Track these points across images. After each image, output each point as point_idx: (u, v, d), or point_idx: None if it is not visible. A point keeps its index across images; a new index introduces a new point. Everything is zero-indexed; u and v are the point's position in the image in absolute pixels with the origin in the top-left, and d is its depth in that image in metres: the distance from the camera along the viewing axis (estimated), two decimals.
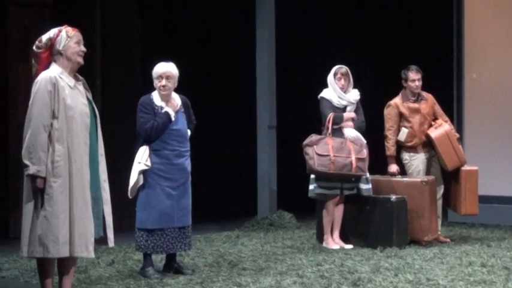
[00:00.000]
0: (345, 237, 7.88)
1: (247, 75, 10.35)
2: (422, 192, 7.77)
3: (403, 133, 8.06)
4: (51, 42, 5.24)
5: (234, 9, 11.04)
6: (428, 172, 8.11)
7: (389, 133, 8.09)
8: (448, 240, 8.12)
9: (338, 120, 7.81)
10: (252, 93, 10.04)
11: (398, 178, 8.02)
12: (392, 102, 8.15)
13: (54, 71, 5.19)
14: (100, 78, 9.64)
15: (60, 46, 5.23)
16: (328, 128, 7.77)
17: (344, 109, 7.90)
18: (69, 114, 5.14)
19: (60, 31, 5.26)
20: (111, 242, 5.37)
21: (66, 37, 5.25)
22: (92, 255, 5.24)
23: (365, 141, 7.84)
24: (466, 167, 8.06)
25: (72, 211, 5.11)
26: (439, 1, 10.90)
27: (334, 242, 7.83)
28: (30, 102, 5.14)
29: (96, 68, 9.58)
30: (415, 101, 8.12)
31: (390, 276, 6.20)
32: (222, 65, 11.25)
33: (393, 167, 8.09)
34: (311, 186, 7.86)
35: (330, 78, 7.91)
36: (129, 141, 7.30)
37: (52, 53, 5.25)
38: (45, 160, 5.07)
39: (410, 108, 8.09)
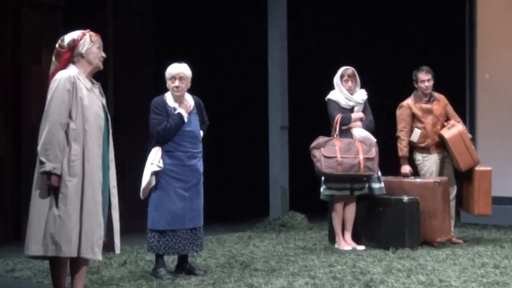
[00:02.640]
0: (357, 238, 7.87)
1: (259, 75, 10.35)
2: (435, 193, 7.75)
3: (416, 134, 8.05)
4: (74, 43, 5.27)
5: (245, 10, 11.04)
6: (441, 173, 8.09)
7: (401, 134, 8.08)
8: (461, 241, 8.10)
9: (346, 121, 7.80)
10: (264, 94, 10.04)
11: (411, 179, 8.00)
12: (404, 103, 8.13)
13: (72, 71, 5.22)
14: (112, 79, 9.66)
15: (83, 49, 5.27)
16: (335, 129, 7.76)
17: (352, 110, 7.89)
18: (85, 115, 5.16)
19: (84, 34, 5.31)
20: (117, 248, 5.36)
21: (89, 41, 5.30)
22: (99, 257, 5.23)
23: (375, 140, 7.83)
24: (479, 167, 8.03)
25: (81, 212, 5.12)
26: (451, 1, 10.86)
27: (346, 243, 7.81)
28: (48, 99, 5.15)
29: (108, 69, 9.59)
30: (427, 102, 8.11)
31: (402, 277, 6.18)
32: (234, 66, 11.26)
33: (406, 168, 8.08)
34: (321, 188, 7.87)
35: (337, 80, 7.91)
36: (141, 142, 7.31)
37: (73, 54, 5.28)
38: (61, 158, 5.08)
39: (423, 109, 8.07)
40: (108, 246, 5.33)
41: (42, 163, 5.06)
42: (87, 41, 5.29)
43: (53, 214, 5.08)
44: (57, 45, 5.30)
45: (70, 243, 5.08)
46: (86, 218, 5.13)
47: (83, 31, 5.34)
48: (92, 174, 5.17)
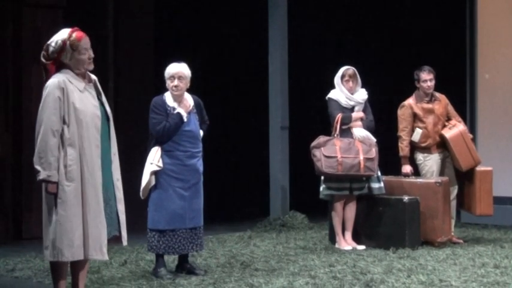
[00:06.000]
0: (357, 238, 7.86)
1: (259, 75, 10.35)
2: (436, 193, 7.74)
3: (417, 134, 8.04)
4: (57, 55, 5.19)
5: (246, 10, 11.04)
6: (442, 173, 8.09)
7: (403, 134, 8.07)
8: (461, 241, 8.09)
9: (346, 121, 7.80)
10: (264, 94, 10.04)
11: (412, 179, 8.00)
12: (406, 102, 8.13)
13: (63, 75, 5.19)
14: (113, 79, 9.66)
15: (66, 59, 5.20)
16: (336, 129, 7.76)
17: (352, 109, 7.89)
18: (79, 118, 5.15)
19: (64, 44, 5.18)
20: (125, 240, 5.39)
21: (71, 50, 5.19)
22: (106, 257, 5.28)
23: (375, 140, 7.83)
24: (480, 168, 8.03)
25: (85, 214, 5.13)
26: (452, 0, 10.86)
27: (346, 243, 7.81)
28: (40, 107, 5.16)
29: (108, 69, 9.60)
30: (428, 102, 8.10)
31: (403, 277, 6.18)
32: (234, 66, 11.26)
33: (407, 168, 8.07)
34: (321, 188, 7.87)
35: (337, 79, 7.90)
36: (141, 141, 7.31)
37: (60, 63, 5.22)
38: (56, 165, 5.08)
39: (424, 109, 8.07)
40: (115, 239, 5.35)
41: (37, 172, 5.08)
42: (68, 50, 5.18)
43: (53, 220, 5.11)
44: (42, 58, 5.23)
45: (72, 247, 5.10)
46: (91, 221, 5.15)
47: (63, 38, 5.18)
48: (93, 176, 5.18)
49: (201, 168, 6.57)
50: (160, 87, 6.76)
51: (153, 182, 6.43)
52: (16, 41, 9.13)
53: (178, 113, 6.44)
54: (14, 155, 9.09)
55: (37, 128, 5.14)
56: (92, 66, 5.31)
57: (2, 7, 9.06)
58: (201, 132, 6.64)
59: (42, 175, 5.06)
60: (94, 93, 5.32)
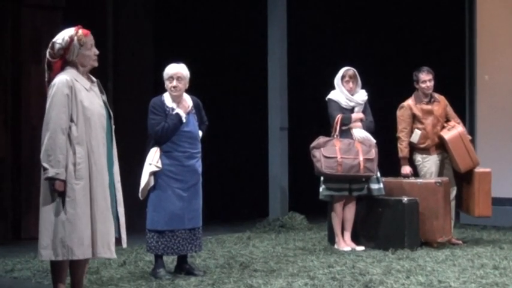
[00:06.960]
0: (356, 239, 7.87)
1: (259, 76, 10.35)
2: (436, 194, 7.75)
3: (416, 135, 8.05)
4: (64, 51, 5.21)
5: (245, 10, 11.05)
6: (440, 174, 8.10)
7: (402, 135, 8.08)
8: (460, 242, 8.10)
9: (346, 122, 7.81)
10: (263, 95, 10.04)
11: (412, 180, 8.00)
12: (405, 103, 8.14)
13: (69, 74, 5.20)
14: (112, 79, 9.66)
15: (73, 56, 5.22)
16: (336, 130, 7.77)
17: (352, 110, 7.89)
18: (87, 117, 5.16)
19: (72, 40, 5.20)
20: (124, 242, 5.40)
21: (78, 46, 5.21)
22: (114, 255, 5.29)
23: (374, 141, 7.84)
24: (479, 169, 8.03)
25: (93, 213, 5.14)
26: (451, 1, 10.87)
27: (345, 244, 7.81)
28: (47, 105, 5.14)
29: (108, 69, 9.60)
30: (427, 103, 8.11)
31: (402, 278, 6.18)
32: (233, 66, 11.26)
33: (406, 169, 8.08)
34: (320, 188, 7.88)
35: (337, 80, 7.91)
36: (140, 142, 7.31)
37: (65, 61, 5.23)
38: (64, 163, 5.07)
39: (423, 110, 8.07)
40: (115, 240, 5.35)
41: (45, 169, 5.06)
42: (75, 46, 5.20)
43: (61, 219, 5.09)
44: (47, 55, 5.24)
45: (82, 245, 5.10)
46: (99, 219, 5.15)
47: (70, 35, 5.21)
48: (101, 174, 5.19)
49: (200, 169, 6.57)
50: (160, 87, 6.77)
51: (152, 183, 6.43)
52: (15, 42, 9.14)
53: (177, 114, 6.45)
54: (13, 155, 9.10)
55: (44, 126, 5.12)
56: (96, 63, 5.33)
57: (1, 8, 9.07)
58: (200, 133, 6.64)
59: (51, 173, 5.05)
60: (98, 92, 5.35)
